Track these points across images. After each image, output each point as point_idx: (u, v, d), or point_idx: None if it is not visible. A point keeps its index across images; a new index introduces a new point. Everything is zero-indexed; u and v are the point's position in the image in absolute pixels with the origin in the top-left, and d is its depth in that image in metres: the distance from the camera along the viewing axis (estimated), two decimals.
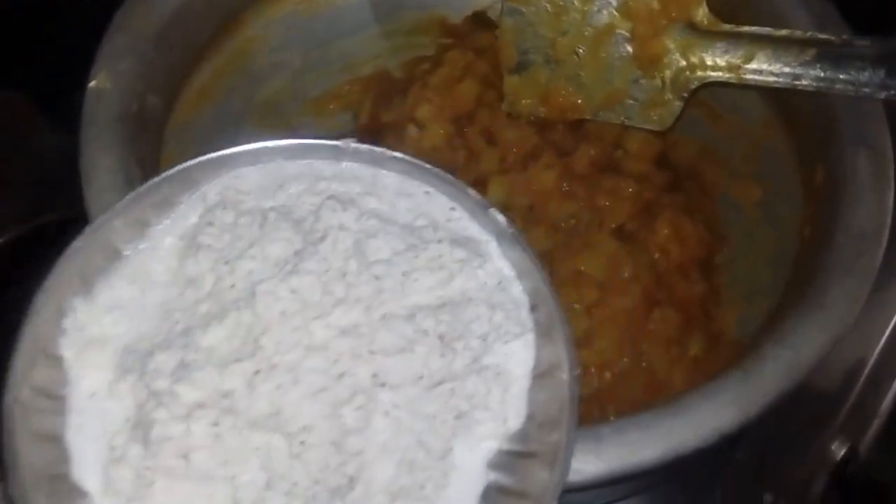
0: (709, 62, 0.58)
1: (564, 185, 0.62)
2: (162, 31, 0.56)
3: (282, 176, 0.43)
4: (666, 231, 0.61)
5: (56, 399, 0.38)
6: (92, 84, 0.52)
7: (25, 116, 0.83)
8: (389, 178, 0.43)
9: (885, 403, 0.68)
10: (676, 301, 0.60)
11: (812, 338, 0.45)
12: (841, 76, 0.53)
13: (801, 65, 0.54)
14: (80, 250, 0.40)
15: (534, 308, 0.41)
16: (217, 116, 0.64)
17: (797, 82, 0.54)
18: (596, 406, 0.57)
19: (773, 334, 0.46)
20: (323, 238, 0.40)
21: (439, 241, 0.41)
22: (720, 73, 0.57)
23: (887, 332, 0.66)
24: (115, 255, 0.41)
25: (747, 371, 0.44)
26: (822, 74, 0.53)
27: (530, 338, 0.41)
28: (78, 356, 0.39)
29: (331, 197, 0.42)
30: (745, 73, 0.56)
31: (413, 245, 0.41)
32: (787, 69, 0.55)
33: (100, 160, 0.49)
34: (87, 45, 0.56)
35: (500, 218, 0.42)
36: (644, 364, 0.58)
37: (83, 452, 0.37)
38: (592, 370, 0.57)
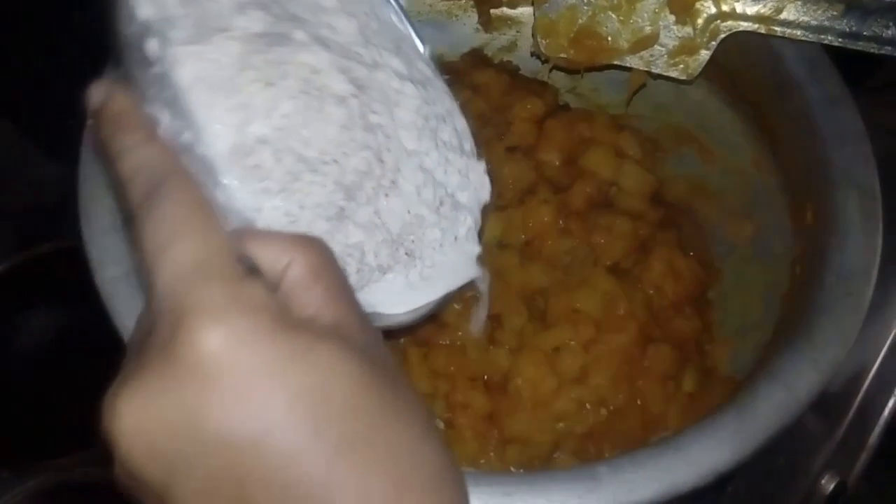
0: (739, 11, 0.60)
1: (560, 221, 0.62)
2: None
3: None
4: (660, 267, 0.62)
5: None
6: (90, 122, 0.52)
7: (19, 146, 0.84)
8: None
9: (873, 437, 0.68)
10: (671, 337, 0.60)
11: (804, 375, 0.46)
12: (865, 32, 0.56)
13: (828, 19, 0.57)
14: None
15: None
16: None
17: (822, 36, 0.57)
18: (592, 443, 0.57)
19: (766, 372, 0.47)
20: None
21: None
22: (750, 24, 0.60)
23: (875, 368, 0.67)
24: None
25: (742, 409, 0.45)
26: (848, 30, 0.57)
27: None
28: None
29: None
30: (773, 25, 0.59)
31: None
32: (814, 22, 0.57)
33: (99, 200, 0.49)
34: (81, 74, 0.56)
35: None
36: (639, 401, 0.58)
37: None
38: (588, 407, 0.57)
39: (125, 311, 0.46)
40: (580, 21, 0.63)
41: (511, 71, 0.73)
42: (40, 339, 0.73)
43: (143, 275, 0.31)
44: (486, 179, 0.47)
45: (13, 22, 0.84)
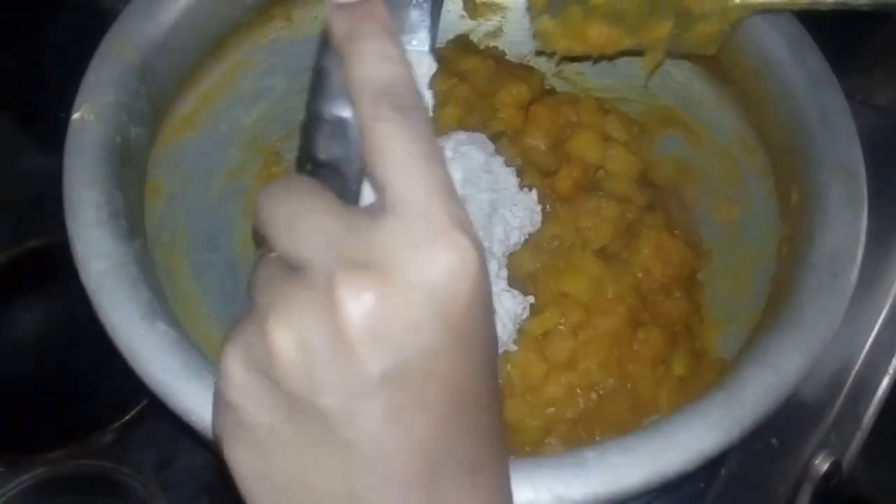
0: None
1: (547, 206, 0.62)
2: (146, 61, 0.56)
3: None
4: (648, 250, 0.62)
5: None
6: (75, 117, 0.52)
7: (14, 137, 0.84)
8: None
9: (868, 417, 0.69)
10: (661, 320, 0.60)
11: (791, 358, 0.46)
12: None
13: None
14: None
15: None
16: (202, 142, 0.64)
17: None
18: (583, 427, 0.57)
19: (753, 354, 0.47)
20: None
21: None
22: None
23: (867, 346, 0.67)
24: None
25: (729, 392, 0.45)
26: None
27: None
28: None
29: None
30: None
31: None
32: None
33: (84, 194, 0.49)
34: (72, 66, 0.56)
35: None
36: (629, 385, 0.58)
37: None
38: (578, 391, 0.57)
39: (111, 305, 0.46)
40: (583, 19, 0.62)
41: (497, 56, 0.72)
42: (34, 332, 0.73)
43: (370, 168, 0.32)
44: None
45: (8, 16, 0.84)
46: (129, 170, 0.53)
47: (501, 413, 0.35)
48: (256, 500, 0.32)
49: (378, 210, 0.31)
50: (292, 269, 0.31)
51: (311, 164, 0.36)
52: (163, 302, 0.47)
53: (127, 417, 0.66)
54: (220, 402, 0.33)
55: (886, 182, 0.74)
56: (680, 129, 0.69)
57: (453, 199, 0.31)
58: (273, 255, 0.33)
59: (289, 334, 0.30)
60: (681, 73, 0.68)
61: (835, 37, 0.84)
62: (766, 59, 0.58)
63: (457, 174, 0.60)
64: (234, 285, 0.63)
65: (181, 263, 0.60)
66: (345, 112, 0.34)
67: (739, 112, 0.63)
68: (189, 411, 0.44)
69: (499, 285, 0.58)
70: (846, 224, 0.51)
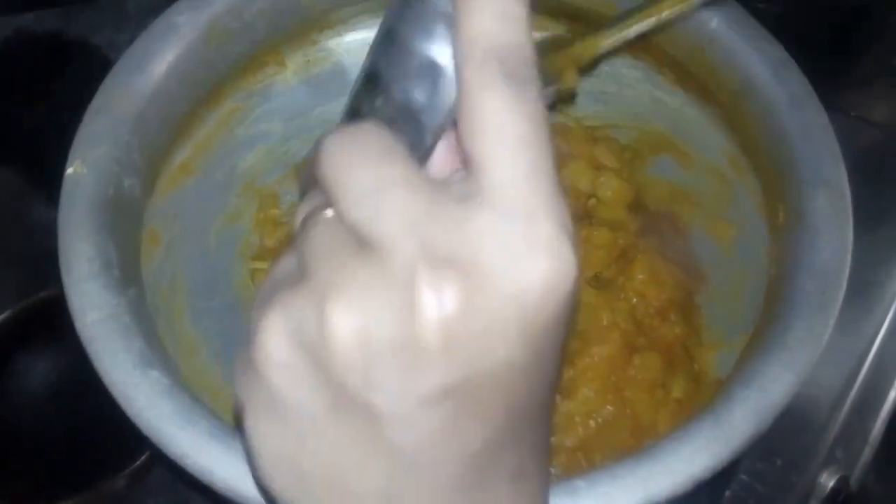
0: None
1: None
2: (139, 112, 0.57)
3: None
4: (642, 275, 0.62)
5: None
6: (69, 172, 0.53)
7: (19, 191, 0.85)
8: None
9: (875, 431, 0.68)
10: (657, 344, 0.61)
11: (779, 378, 0.46)
12: None
13: None
14: None
15: None
16: (199, 189, 0.65)
17: None
18: (583, 456, 0.57)
19: (741, 376, 0.47)
20: None
21: None
22: None
23: (869, 361, 0.66)
24: None
25: (717, 415, 0.45)
26: None
27: None
28: None
29: None
30: None
31: None
32: None
33: (77, 248, 0.50)
34: (81, 119, 0.57)
35: None
36: (628, 410, 0.58)
37: None
38: (577, 419, 0.58)
39: (104, 355, 0.47)
40: None
41: None
42: (44, 381, 0.74)
43: (465, 140, 0.28)
44: None
45: (16, 69, 0.86)
46: (123, 220, 0.54)
47: (551, 425, 0.32)
48: (276, 481, 0.30)
49: (471, 196, 0.27)
50: (360, 241, 0.27)
51: (383, 100, 0.30)
52: (157, 350, 0.48)
53: (137, 463, 0.67)
54: (250, 371, 0.29)
55: (883, 195, 0.75)
56: (672, 153, 0.69)
57: (560, 200, 0.28)
58: (331, 214, 0.29)
59: (353, 321, 0.26)
60: (672, 99, 0.68)
61: (830, 52, 0.85)
62: (748, 80, 0.58)
63: None
64: (234, 330, 0.64)
65: (181, 310, 0.61)
66: (440, 55, 0.29)
67: (727, 133, 0.63)
68: (184, 455, 0.44)
69: None
70: (832, 242, 0.51)
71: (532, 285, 0.26)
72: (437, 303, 0.26)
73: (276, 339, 0.28)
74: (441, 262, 0.26)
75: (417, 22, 0.29)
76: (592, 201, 0.66)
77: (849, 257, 0.50)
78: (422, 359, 0.26)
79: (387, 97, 0.30)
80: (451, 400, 0.27)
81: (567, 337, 0.29)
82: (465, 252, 0.26)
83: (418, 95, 0.30)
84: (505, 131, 0.27)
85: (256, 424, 0.29)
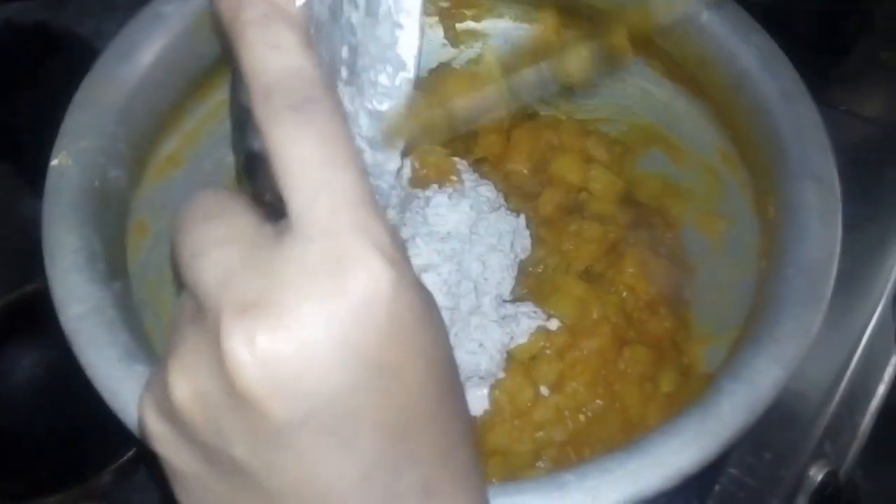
0: None
1: (531, 230, 0.63)
2: (125, 102, 0.57)
3: None
4: (632, 269, 0.62)
5: None
6: (53, 163, 0.53)
7: (7, 184, 0.85)
8: None
9: (864, 425, 0.68)
10: (646, 338, 0.61)
11: (767, 371, 0.46)
12: None
13: None
14: None
15: None
16: (186, 181, 0.64)
17: None
18: (573, 450, 0.57)
19: (729, 369, 0.47)
20: None
21: None
22: None
23: (858, 355, 0.66)
24: None
25: (706, 409, 0.45)
26: None
27: None
28: None
29: None
30: None
31: None
32: None
33: (61, 240, 0.50)
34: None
35: None
36: (618, 404, 0.58)
37: None
38: (566, 414, 0.58)
39: (89, 348, 0.46)
40: None
41: None
42: (32, 376, 0.73)
43: (279, 185, 0.27)
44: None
45: (3, 61, 0.85)
46: (109, 212, 0.54)
47: (466, 429, 0.31)
48: None
49: (282, 232, 0.27)
50: (198, 307, 0.28)
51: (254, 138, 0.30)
52: (142, 343, 0.48)
53: (123, 459, 0.66)
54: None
55: (874, 189, 0.75)
56: (663, 147, 0.69)
57: (365, 211, 0.27)
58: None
59: (187, 386, 0.27)
60: (662, 92, 0.68)
61: (820, 47, 0.85)
62: (739, 74, 0.58)
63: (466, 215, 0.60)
64: None
65: (168, 301, 0.61)
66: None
67: (718, 127, 0.63)
68: None
69: (489, 317, 0.59)
70: (820, 236, 0.51)
71: (343, 306, 0.26)
72: (243, 348, 0.25)
73: (146, 416, 0.29)
74: (247, 307, 0.26)
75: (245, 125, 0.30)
76: (584, 194, 0.66)
77: (837, 251, 0.50)
78: (255, 405, 0.26)
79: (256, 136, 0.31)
80: (302, 436, 0.27)
81: (427, 337, 0.28)
82: (272, 290, 0.26)
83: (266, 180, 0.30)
84: (295, 159, 0.27)
85: (177, 495, 0.30)
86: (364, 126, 0.35)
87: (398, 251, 0.27)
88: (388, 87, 0.34)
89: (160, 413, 0.28)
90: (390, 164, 0.34)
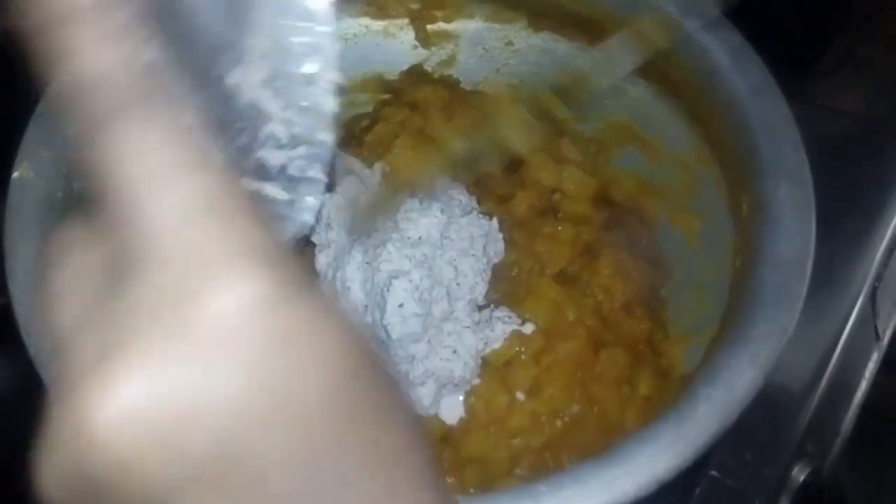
0: None
1: (504, 233, 0.62)
2: None
3: None
4: (608, 270, 0.61)
5: None
6: (15, 175, 0.52)
7: None
8: None
9: (846, 423, 0.68)
10: (623, 340, 0.60)
11: (742, 372, 0.45)
12: None
13: None
14: None
15: None
16: None
17: None
18: (550, 456, 0.56)
19: (705, 372, 0.46)
20: None
21: None
22: None
23: (837, 352, 0.66)
24: None
25: (681, 413, 0.44)
26: None
27: None
28: None
29: None
30: None
31: None
32: None
33: (23, 254, 0.49)
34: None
35: None
36: (595, 408, 0.57)
37: None
38: (543, 419, 0.57)
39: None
40: None
41: (451, 85, 0.72)
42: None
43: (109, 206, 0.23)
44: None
45: None
46: None
47: (408, 437, 0.26)
48: None
49: (133, 261, 0.23)
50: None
51: None
52: None
53: None
54: None
55: (850, 184, 0.74)
56: (637, 145, 0.68)
57: (219, 217, 0.22)
58: None
59: (45, 465, 0.23)
60: (635, 90, 0.67)
61: (798, 42, 0.84)
62: (709, 72, 0.58)
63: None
64: None
65: None
66: None
67: (691, 124, 0.62)
68: None
69: (462, 323, 0.58)
70: (794, 233, 0.50)
71: (201, 337, 0.22)
72: (97, 416, 0.21)
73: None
74: (93, 364, 0.22)
75: None
76: (557, 195, 0.65)
77: (812, 248, 0.49)
78: (122, 480, 0.22)
79: None
80: (192, 500, 0.22)
81: (341, 346, 0.24)
82: (120, 338, 0.22)
83: None
84: (123, 172, 0.23)
85: None
86: (292, 96, 0.32)
87: (271, 253, 0.23)
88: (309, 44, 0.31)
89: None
90: (321, 133, 0.32)
